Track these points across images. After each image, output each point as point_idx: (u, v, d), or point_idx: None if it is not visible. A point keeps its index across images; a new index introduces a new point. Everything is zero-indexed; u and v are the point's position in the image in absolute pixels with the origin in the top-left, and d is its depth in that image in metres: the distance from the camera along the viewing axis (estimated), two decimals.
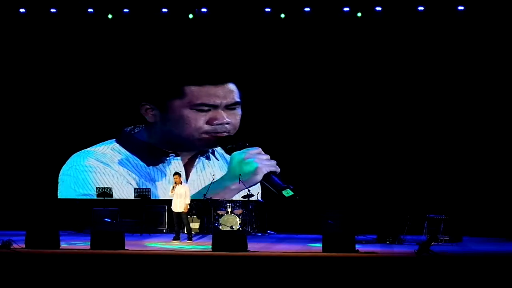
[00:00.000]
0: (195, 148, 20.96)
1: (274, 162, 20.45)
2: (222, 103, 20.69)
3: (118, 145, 21.13)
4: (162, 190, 20.83)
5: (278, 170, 20.41)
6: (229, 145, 20.74)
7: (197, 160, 21.00)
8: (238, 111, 20.85)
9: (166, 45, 21.14)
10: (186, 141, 20.80)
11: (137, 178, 20.94)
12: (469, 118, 20.25)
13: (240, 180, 20.27)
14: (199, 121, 20.64)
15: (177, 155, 20.97)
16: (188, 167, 20.97)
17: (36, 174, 21.20)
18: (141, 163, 21.01)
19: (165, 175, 20.93)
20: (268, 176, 20.40)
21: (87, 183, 20.98)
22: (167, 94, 20.77)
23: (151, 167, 21.00)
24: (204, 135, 20.68)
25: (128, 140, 21.10)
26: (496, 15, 19.85)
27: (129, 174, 20.96)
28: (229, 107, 20.77)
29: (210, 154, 20.99)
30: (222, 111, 20.70)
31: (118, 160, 21.04)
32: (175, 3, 20.79)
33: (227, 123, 20.69)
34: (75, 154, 21.09)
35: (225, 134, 20.70)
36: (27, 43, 21.39)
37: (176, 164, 20.95)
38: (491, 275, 12.81)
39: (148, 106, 20.89)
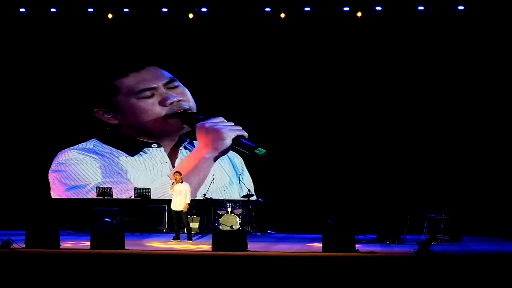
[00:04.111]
0: (172, 134, 20.97)
1: (239, 127, 20.59)
2: (158, 85, 20.83)
3: (99, 142, 21.18)
4: (148, 180, 20.81)
5: (246, 134, 20.57)
6: (193, 118, 20.78)
7: (179, 150, 21.01)
8: (183, 88, 20.92)
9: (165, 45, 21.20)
10: (159, 129, 20.84)
11: (123, 168, 20.92)
12: (469, 118, 20.25)
13: (241, 182, 20.45)
14: (154, 107, 20.76)
15: (159, 146, 21.01)
16: (172, 157, 21.02)
17: (36, 174, 21.18)
18: (125, 154, 21.02)
19: (150, 165, 20.98)
20: (237, 140, 20.57)
21: (74, 175, 20.98)
22: (106, 94, 20.88)
23: (135, 157, 21.01)
24: (170, 120, 20.75)
25: (109, 136, 21.13)
26: (496, 15, 19.85)
27: (114, 165, 20.97)
28: (169, 86, 20.89)
29: (188, 144, 20.98)
30: (167, 91, 20.82)
31: (101, 152, 21.06)
32: (175, 3, 20.78)
33: (179, 100, 20.78)
34: (59, 152, 21.13)
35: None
36: (27, 43, 21.36)
37: (160, 154, 21.00)
38: (491, 275, 12.82)
39: (101, 111, 21.00)
